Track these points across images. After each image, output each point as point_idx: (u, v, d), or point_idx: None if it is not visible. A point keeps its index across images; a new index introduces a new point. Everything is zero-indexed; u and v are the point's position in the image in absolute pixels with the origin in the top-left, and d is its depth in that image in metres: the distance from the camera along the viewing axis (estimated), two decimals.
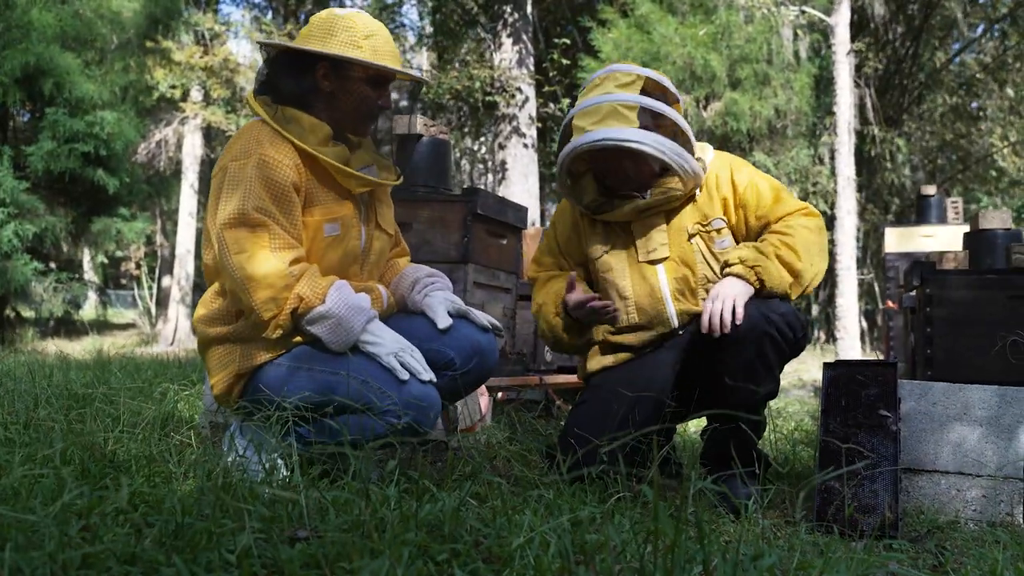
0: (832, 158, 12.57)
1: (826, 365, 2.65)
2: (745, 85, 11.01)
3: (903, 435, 2.66)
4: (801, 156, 11.92)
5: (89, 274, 20.59)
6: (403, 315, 2.62)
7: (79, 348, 12.56)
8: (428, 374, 2.36)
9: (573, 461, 2.37)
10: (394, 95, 2.46)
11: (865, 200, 17.34)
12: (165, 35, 13.26)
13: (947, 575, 1.91)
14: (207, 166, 18.59)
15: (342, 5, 19.94)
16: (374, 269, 2.65)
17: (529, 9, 11.84)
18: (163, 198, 19.54)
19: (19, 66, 9.43)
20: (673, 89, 2.75)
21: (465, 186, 4.14)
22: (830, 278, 12.40)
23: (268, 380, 2.41)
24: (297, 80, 2.50)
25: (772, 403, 3.25)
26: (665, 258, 2.75)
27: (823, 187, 13.24)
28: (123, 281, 28.22)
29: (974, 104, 19.23)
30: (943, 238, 7.43)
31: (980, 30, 18.25)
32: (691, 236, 2.73)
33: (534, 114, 11.66)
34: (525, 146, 11.39)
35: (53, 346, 12.49)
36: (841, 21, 11.33)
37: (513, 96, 11.29)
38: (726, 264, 2.62)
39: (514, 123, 11.37)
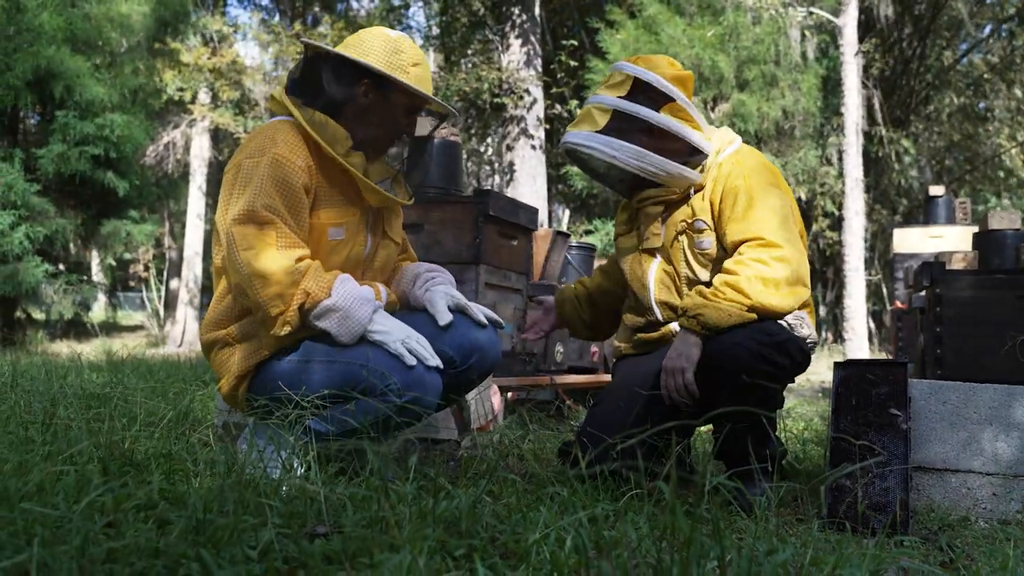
0: (840, 159, 12.57)
1: (837, 365, 2.66)
2: (753, 86, 11.02)
3: (913, 433, 2.68)
4: (809, 157, 11.92)
5: (98, 276, 20.66)
6: (404, 312, 2.64)
7: (89, 350, 12.60)
8: (434, 360, 2.38)
9: (589, 459, 2.40)
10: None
11: (873, 201, 17.33)
12: (174, 37, 13.32)
13: (958, 572, 1.93)
14: (215, 168, 18.66)
15: (349, 8, 19.99)
16: (378, 276, 2.67)
17: (537, 10, 11.86)
18: (171, 200, 19.60)
19: (30, 69, 9.48)
20: (665, 88, 2.71)
21: (475, 188, 4.16)
22: (838, 279, 12.38)
23: (276, 377, 2.43)
24: (338, 87, 2.50)
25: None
26: (657, 248, 2.80)
27: (831, 188, 13.25)
28: (131, 283, 28.30)
29: (982, 104, 19.20)
30: (951, 239, 7.44)
31: (988, 30, 18.23)
32: (679, 233, 2.76)
33: (542, 115, 11.68)
34: (533, 147, 11.41)
35: (64, 348, 12.54)
36: (849, 22, 11.33)
37: (521, 98, 11.31)
38: (681, 311, 2.63)
39: (522, 124, 11.39)
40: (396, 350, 2.35)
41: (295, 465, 2.23)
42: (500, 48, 12.11)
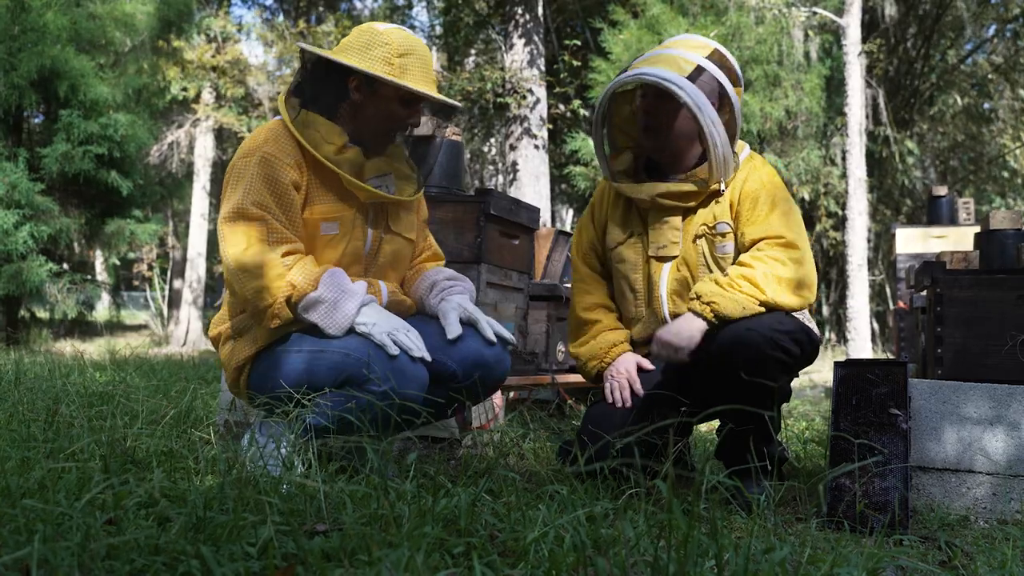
0: (843, 159, 12.57)
1: (837, 364, 2.66)
2: (756, 86, 11.02)
3: (913, 433, 2.68)
4: (812, 157, 11.91)
5: (102, 276, 20.70)
6: (420, 319, 2.65)
7: (92, 349, 12.63)
8: (421, 352, 2.38)
9: (588, 457, 2.41)
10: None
11: (876, 201, 17.32)
12: (178, 37, 13.34)
13: (956, 571, 1.93)
14: (219, 168, 18.69)
15: (353, 8, 20.01)
16: (387, 272, 2.67)
17: (540, 10, 11.87)
18: (175, 200, 19.63)
19: (34, 69, 9.51)
20: (739, 72, 2.75)
21: (476, 187, 4.17)
22: (841, 280, 12.38)
23: (268, 368, 2.48)
24: (329, 88, 2.55)
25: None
26: (674, 257, 2.75)
27: (834, 188, 13.24)
28: (135, 283, 28.36)
29: (986, 105, 19.18)
30: (954, 239, 7.44)
31: (992, 30, 18.21)
32: (697, 237, 2.73)
33: (545, 115, 11.68)
34: (536, 147, 11.41)
35: (67, 347, 12.57)
36: (852, 22, 11.32)
37: (524, 97, 11.31)
38: (695, 295, 2.61)
39: (525, 124, 11.39)
40: (381, 340, 2.35)
41: (295, 463, 2.24)
42: (503, 48, 12.12)
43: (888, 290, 18.65)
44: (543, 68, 11.86)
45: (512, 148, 11.51)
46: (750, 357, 2.47)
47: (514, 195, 11.18)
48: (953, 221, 7.72)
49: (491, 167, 17.41)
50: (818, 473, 3.01)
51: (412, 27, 19.31)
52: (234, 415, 3.27)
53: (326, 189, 2.52)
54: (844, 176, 12.25)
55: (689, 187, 2.71)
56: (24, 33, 9.62)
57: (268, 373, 2.48)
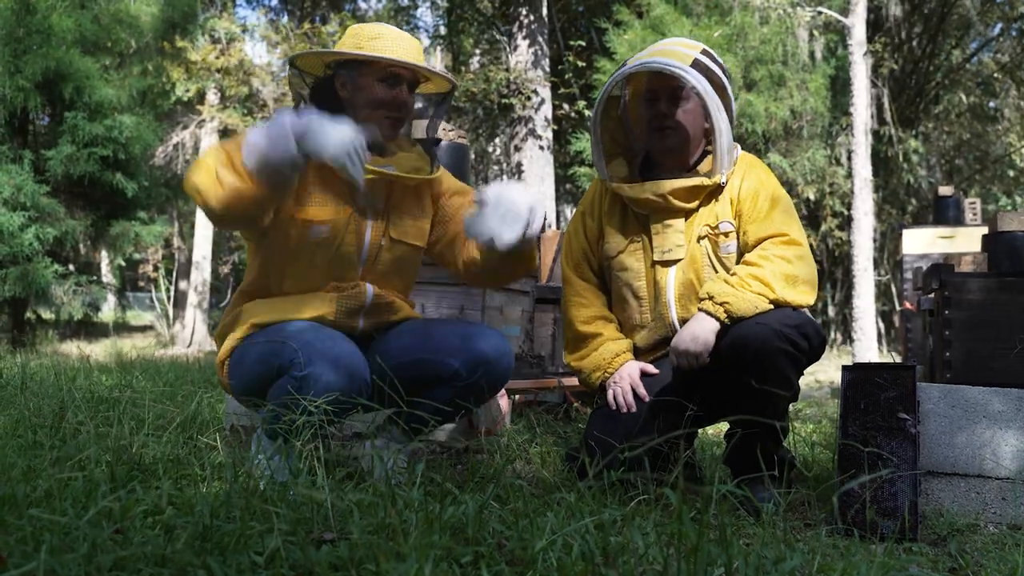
0: (848, 159, 12.54)
1: (845, 368, 2.65)
2: (760, 86, 10.99)
3: (922, 437, 2.67)
4: (817, 157, 11.88)
5: (107, 277, 20.71)
6: (416, 324, 2.64)
7: (98, 349, 12.65)
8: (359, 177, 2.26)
9: (596, 465, 2.40)
10: (419, 104, 2.45)
11: (882, 200, 17.28)
12: (183, 38, 13.35)
13: None
14: None
15: (358, 8, 20.02)
16: (391, 279, 2.65)
17: (545, 11, 11.85)
18: (180, 201, 19.65)
19: (39, 71, 9.51)
20: (726, 69, 2.77)
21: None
22: (847, 279, 12.35)
23: (232, 364, 2.53)
24: (322, 97, 2.57)
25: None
26: (679, 260, 2.73)
27: (839, 187, 13.21)
28: (141, 283, 28.40)
29: (991, 103, 19.13)
30: (961, 239, 7.41)
31: (998, 28, 18.16)
32: (700, 238, 2.72)
33: (550, 116, 11.67)
34: (541, 148, 11.40)
35: (73, 348, 12.58)
36: (858, 22, 11.29)
37: (529, 98, 11.30)
38: (706, 295, 2.60)
39: (530, 125, 11.38)
40: (337, 161, 2.23)
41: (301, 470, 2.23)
42: (508, 49, 12.11)
43: (894, 289, 18.62)
44: (548, 69, 11.84)
45: (517, 149, 11.50)
46: (760, 350, 2.47)
47: None
48: (960, 221, 7.70)
49: (495, 167, 17.41)
50: (827, 478, 3.00)
51: (416, 27, 19.32)
52: (241, 420, 3.27)
53: (325, 189, 2.52)
54: (849, 176, 12.22)
55: (697, 182, 2.70)
56: (29, 35, 9.63)
57: (233, 369, 2.53)
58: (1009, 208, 19.97)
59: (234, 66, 15.96)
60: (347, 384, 2.32)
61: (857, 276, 11.09)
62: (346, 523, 1.78)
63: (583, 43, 12.86)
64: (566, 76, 12.54)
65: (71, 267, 11.39)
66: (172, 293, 20.63)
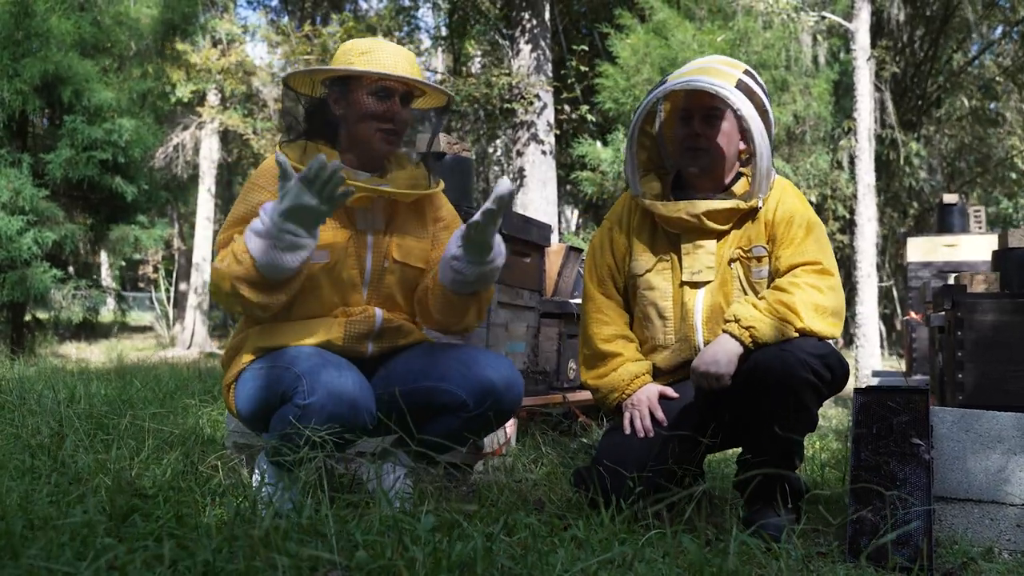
0: (851, 163, 12.49)
1: (857, 391, 2.60)
2: None
3: (936, 463, 2.62)
4: (820, 161, 11.84)
5: (107, 280, 20.68)
6: (425, 349, 2.59)
7: (98, 351, 12.60)
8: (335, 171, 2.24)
9: (607, 494, 2.37)
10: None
11: (883, 204, 17.24)
12: (183, 40, 13.30)
13: None
14: (224, 170, 18.68)
15: (359, 9, 19.97)
16: (395, 303, 2.61)
17: (547, 15, 11.80)
18: (180, 202, 19.61)
19: (38, 74, 9.45)
20: (767, 90, 2.73)
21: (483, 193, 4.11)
22: (848, 283, 12.31)
23: (238, 389, 2.49)
24: (317, 116, 2.56)
25: None
26: (708, 282, 2.68)
27: (842, 191, 13.17)
28: (141, 284, 28.36)
29: (993, 107, 19.09)
30: (966, 248, 7.37)
31: (999, 32, 18.12)
32: (731, 261, 2.67)
33: (552, 120, 11.62)
34: (543, 153, 11.35)
35: (73, 350, 12.53)
36: (861, 27, 11.24)
37: (531, 103, 11.24)
38: (733, 317, 2.56)
39: (532, 130, 11.33)
40: (296, 198, 2.23)
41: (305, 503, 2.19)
42: (510, 53, 12.06)
43: (896, 294, 18.59)
44: (550, 74, 11.79)
45: (519, 154, 11.45)
46: (782, 378, 2.42)
47: (521, 201, 11.12)
48: (964, 229, 7.65)
49: (496, 168, 17.36)
50: (837, 499, 2.96)
51: (417, 28, 19.26)
52: (243, 438, 3.23)
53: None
54: (852, 179, 12.18)
55: (733, 204, 2.65)
56: (28, 38, 9.56)
57: (239, 394, 2.49)
58: (1010, 210, 19.96)
59: (234, 65, 15.92)
60: (349, 414, 2.27)
61: (860, 282, 11.04)
62: (352, 559, 1.74)
63: (585, 47, 12.81)
64: (569, 80, 12.49)
65: (70, 271, 11.34)
66: (172, 294, 20.60)
